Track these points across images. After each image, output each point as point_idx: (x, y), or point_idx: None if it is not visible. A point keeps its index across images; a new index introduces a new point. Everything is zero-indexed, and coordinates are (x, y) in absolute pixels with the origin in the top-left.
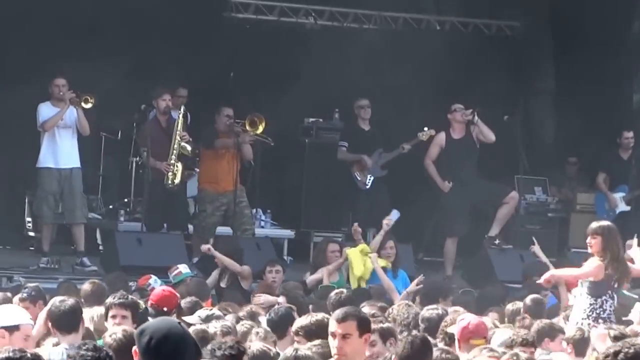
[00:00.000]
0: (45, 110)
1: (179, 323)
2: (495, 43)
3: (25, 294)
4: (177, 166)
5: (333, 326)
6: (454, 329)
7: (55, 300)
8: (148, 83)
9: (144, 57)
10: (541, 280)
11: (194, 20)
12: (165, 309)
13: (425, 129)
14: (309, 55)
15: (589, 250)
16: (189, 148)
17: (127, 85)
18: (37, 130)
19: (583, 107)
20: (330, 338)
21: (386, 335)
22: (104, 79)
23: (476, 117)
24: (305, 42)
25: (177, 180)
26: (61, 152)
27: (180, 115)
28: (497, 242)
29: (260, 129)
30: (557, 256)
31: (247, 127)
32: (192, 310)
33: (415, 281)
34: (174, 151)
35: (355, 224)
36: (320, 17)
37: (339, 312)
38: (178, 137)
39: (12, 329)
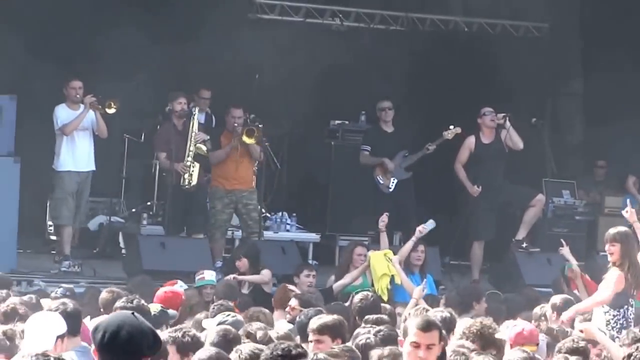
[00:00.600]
0: (63, 113)
1: (133, 314)
2: (523, 44)
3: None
4: (193, 167)
5: (416, 336)
6: (506, 335)
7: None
8: (172, 85)
9: (168, 59)
10: (565, 319)
11: (219, 22)
12: (169, 309)
13: (451, 127)
14: (335, 56)
15: (609, 258)
16: (204, 148)
17: (151, 87)
18: (55, 132)
19: (612, 109)
20: (408, 348)
21: None
22: (127, 81)
23: (508, 123)
24: (332, 43)
25: (193, 182)
26: (80, 154)
27: (194, 117)
28: (524, 245)
29: (254, 141)
30: (585, 259)
31: (244, 137)
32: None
33: (420, 287)
34: (190, 152)
35: (384, 215)
36: (346, 19)
37: (422, 322)
38: (193, 139)
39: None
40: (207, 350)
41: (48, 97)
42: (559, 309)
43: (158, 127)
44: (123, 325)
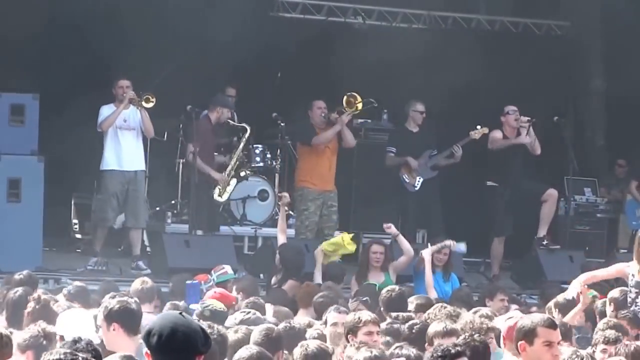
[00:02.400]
0: (106, 111)
1: (181, 313)
2: (546, 43)
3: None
4: (230, 183)
5: (551, 335)
6: (502, 326)
7: None
8: (195, 83)
9: (190, 58)
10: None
11: (241, 20)
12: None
13: (478, 127)
14: (357, 55)
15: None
16: (245, 172)
17: (173, 85)
18: (97, 131)
19: (633, 108)
20: (540, 347)
21: None
22: (149, 80)
23: (532, 130)
24: (354, 41)
25: (224, 197)
26: (125, 154)
27: (246, 135)
28: (545, 242)
29: (359, 106)
30: (605, 257)
31: (345, 108)
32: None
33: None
34: (232, 169)
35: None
36: (369, 17)
37: (551, 320)
38: (236, 158)
39: None
40: (249, 349)
41: (72, 95)
42: (562, 307)
43: (180, 126)
44: (177, 327)
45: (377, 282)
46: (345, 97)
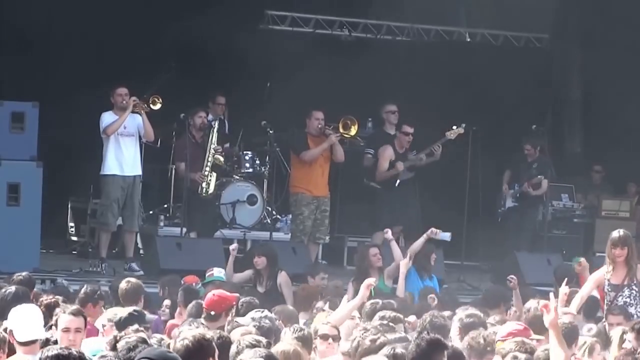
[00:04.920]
0: (108, 118)
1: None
2: (525, 54)
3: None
4: (210, 177)
5: None
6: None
7: None
8: (187, 93)
9: (183, 68)
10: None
11: (231, 33)
12: (212, 312)
13: (454, 127)
14: (343, 66)
15: (617, 260)
16: (221, 159)
17: (167, 94)
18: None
19: (609, 116)
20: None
21: None
22: (144, 89)
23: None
24: (340, 53)
25: (210, 190)
26: (126, 159)
27: (214, 130)
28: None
29: (353, 131)
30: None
31: (341, 130)
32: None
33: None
34: (208, 163)
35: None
36: (354, 29)
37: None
38: (212, 150)
39: None
40: (257, 351)
41: (70, 102)
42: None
43: (174, 133)
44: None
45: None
46: (342, 119)
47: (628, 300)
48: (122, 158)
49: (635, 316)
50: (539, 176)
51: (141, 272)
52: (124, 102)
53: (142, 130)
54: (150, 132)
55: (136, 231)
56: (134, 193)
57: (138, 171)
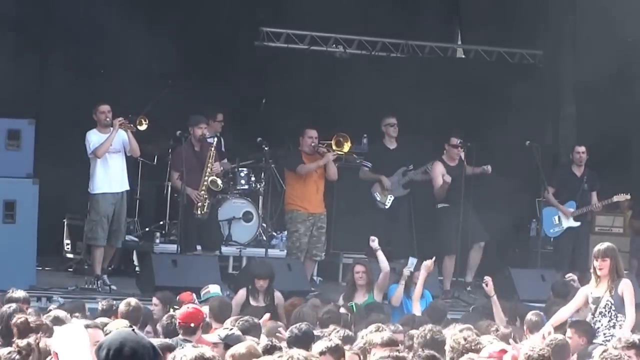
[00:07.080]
0: (94, 138)
1: (133, 330)
2: (519, 70)
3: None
4: (206, 199)
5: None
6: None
7: None
8: (183, 110)
9: (178, 85)
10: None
11: (227, 49)
12: (192, 324)
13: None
14: (338, 82)
15: (599, 273)
16: (219, 183)
17: (163, 111)
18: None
19: (602, 132)
20: None
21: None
22: (140, 106)
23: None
24: (335, 69)
25: (205, 211)
26: (113, 176)
27: (213, 148)
28: (469, 288)
29: (347, 148)
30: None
31: (334, 147)
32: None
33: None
34: (205, 184)
35: (372, 239)
36: (349, 46)
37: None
38: (209, 169)
39: None
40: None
41: (65, 119)
42: (532, 325)
43: (169, 150)
44: (125, 342)
45: (359, 302)
46: (335, 137)
47: (603, 310)
48: (111, 175)
49: (598, 329)
50: (591, 192)
51: (114, 287)
52: (107, 119)
53: (128, 146)
54: (136, 148)
55: (119, 247)
56: (122, 209)
57: (126, 187)
